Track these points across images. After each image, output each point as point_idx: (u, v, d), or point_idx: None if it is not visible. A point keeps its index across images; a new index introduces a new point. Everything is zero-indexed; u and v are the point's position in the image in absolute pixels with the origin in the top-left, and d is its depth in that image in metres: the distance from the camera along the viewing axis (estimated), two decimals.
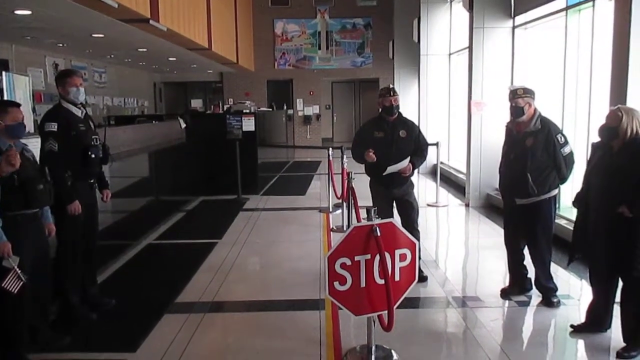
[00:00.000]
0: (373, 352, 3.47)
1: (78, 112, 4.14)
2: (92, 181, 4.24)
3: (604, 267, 3.64)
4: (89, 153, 4.08)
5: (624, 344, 3.53)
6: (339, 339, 3.83)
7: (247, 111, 10.47)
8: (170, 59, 14.69)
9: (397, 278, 3.34)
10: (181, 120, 9.52)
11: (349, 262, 3.20)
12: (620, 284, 3.63)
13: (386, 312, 3.28)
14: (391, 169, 4.69)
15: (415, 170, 4.97)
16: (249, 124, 9.38)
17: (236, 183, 9.14)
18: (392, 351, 3.56)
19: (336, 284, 3.21)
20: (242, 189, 9.23)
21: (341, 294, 3.23)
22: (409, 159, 4.73)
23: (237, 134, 9.31)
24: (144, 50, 12.44)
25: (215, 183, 9.41)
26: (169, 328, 4.04)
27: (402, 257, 3.34)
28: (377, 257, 3.21)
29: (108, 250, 5.50)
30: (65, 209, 3.93)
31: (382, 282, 3.24)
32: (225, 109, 12.29)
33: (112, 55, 14.09)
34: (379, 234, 3.17)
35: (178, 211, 8.30)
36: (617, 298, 3.69)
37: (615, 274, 3.61)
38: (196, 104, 19.31)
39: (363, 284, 3.26)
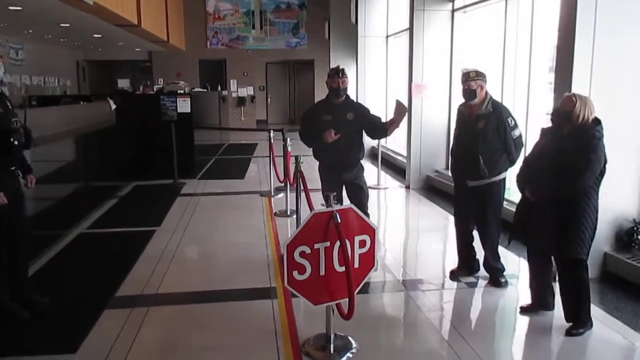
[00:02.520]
0: (332, 341, 3.38)
1: None
2: (13, 168, 3.82)
3: (541, 248, 3.72)
4: (11, 139, 3.67)
5: (570, 323, 3.64)
6: (295, 328, 3.71)
7: (182, 92, 10.04)
8: (96, 35, 13.82)
9: (356, 265, 3.25)
10: (111, 101, 8.98)
11: (308, 251, 3.08)
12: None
13: (345, 300, 3.20)
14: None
15: (364, 151, 4.90)
16: (184, 105, 8.99)
17: (172, 167, 8.77)
18: (350, 338, 3.49)
19: (295, 273, 3.08)
20: (179, 173, 8.87)
21: (300, 284, 3.11)
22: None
23: (172, 115, 8.91)
24: (67, 25, 11.60)
25: (150, 167, 8.98)
26: (111, 325, 3.76)
27: (362, 244, 3.25)
28: (337, 244, 3.11)
29: (35, 241, 5.07)
30: None
31: (342, 269, 3.15)
32: (155, 89, 11.76)
33: (30, 31, 13.06)
34: (339, 221, 3.07)
35: (110, 197, 7.84)
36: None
37: (550, 254, 3.70)
38: (123, 83, 18.40)
39: (322, 272, 3.15)
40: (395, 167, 10.36)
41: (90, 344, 3.50)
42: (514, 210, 3.94)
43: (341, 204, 4.32)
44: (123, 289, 4.42)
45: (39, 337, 3.62)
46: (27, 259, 4.08)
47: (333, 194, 3.16)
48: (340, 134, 4.56)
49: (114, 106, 8.95)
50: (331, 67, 4.73)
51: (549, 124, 3.68)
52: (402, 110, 4.65)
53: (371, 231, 3.28)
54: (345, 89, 4.66)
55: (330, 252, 3.14)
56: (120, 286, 4.45)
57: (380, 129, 4.77)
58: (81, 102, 9.52)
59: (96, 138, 8.20)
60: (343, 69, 4.68)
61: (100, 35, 13.66)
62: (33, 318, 3.81)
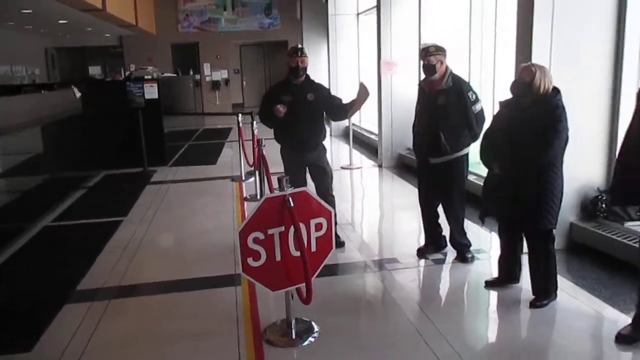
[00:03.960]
0: (293, 326, 3.33)
1: None
2: None
3: (511, 221, 3.69)
4: None
5: (534, 295, 3.64)
6: (257, 315, 3.66)
7: (150, 77, 9.83)
8: (61, 21, 13.42)
9: (313, 249, 3.19)
10: (75, 89, 8.75)
11: (262, 236, 3.01)
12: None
13: (304, 284, 3.14)
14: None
15: (327, 132, 4.83)
16: (151, 91, 8.80)
17: (141, 155, 8.61)
18: (313, 323, 3.45)
19: (250, 260, 3.01)
20: (148, 161, 8.72)
21: (256, 270, 3.05)
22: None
23: (140, 102, 8.72)
24: (28, 11, 11.24)
25: (119, 155, 8.80)
26: (70, 319, 3.67)
27: (318, 227, 3.19)
28: (292, 229, 3.04)
29: None
30: None
31: (298, 254, 3.09)
32: (126, 75, 11.52)
33: None
34: (292, 205, 2.99)
35: (78, 188, 7.68)
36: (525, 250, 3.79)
37: (522, 226, 3.67)
38: (94, 70, 18.02)
39: (278, 258, 3.08)
40: (368, 146, 10.30)
41: (47, 340, 3.41)
42: (482, 185, 3.90)
43: (305, 186, 4.27)
44: (84, 282, 4.32)
45: None
46: None
47: (286, 177, 3.08)
48: (301, 114, 4.48)
49: (78, 94, 8.73)
50: (301, 46, 4.61)
51: (508, 96, 3.62)
52: (365, 94, 4.57)
53: (327, 214, 3.21)
54: (305, 68, 4.56)
55: (285, 236, 3.07)
56: (81, 280, 4.35)
57: (341, 110, 4.69)
58: (42, 91, 9.27)
59: (61, 127, 7.98)
60: (302, 48, 4.58)
61: (65, 21, 13.26)
62: None
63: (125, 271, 4.52)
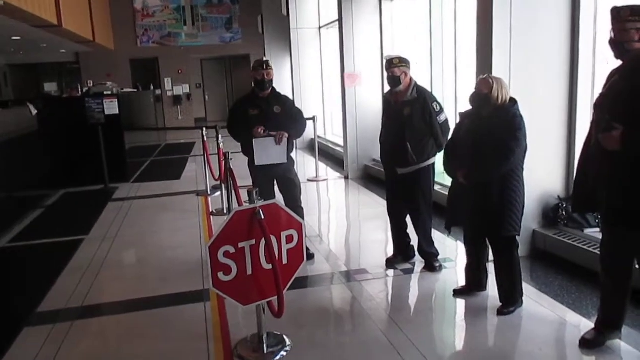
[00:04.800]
0: (265, 341, 3.28)
1: None
2: None
3: (476, 229, 3.76)
4: None
5: (501, 302, 3.70)
6: (227, 330, 3.60)
7: (109, 93, 9.63)
8: (14, 38, 13.03)
9: (284, 261, 3.17)
10: (31, 106, 8.49)
11: (232, 250, 2.96)
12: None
13: (276, 297, 3.11)
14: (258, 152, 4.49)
15: (294, 144, 4.81)
16: (111, 107, 8.61)
17: (102, 171, 8.40)
18: (284, 337, 3.42)
19: (220, 274, 2.97)
20: (110, 178, 8.52)
21: (227, 285, 3.00)
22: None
23: (99, 118, 8.51)
24: None
25: (78, 173, 8.58)
26: (30, 344, 3.52)
27: (289, 239, 3.17)
28: (263, 242, 3.02)
29: None
30: None
31: (269, 267, 3.05)
32: (84, 91, 11.27)
33: None
34: (262, 217, 2.97)
35: (36, 208, 7.43)
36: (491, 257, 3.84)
37: (487, 234, 3.74)
38: (50, 87, 17.58)
39: (249, 272, 3.04)
40: (333, 158, 10.34)
41: None
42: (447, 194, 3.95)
43: (274, 198, 4.24)
44: (45, 303, 4.16)
45: None
46: None
47: (256, 190, 3.06)
48: (269, 127, 4.47)
49: (35, 111, 8.47)
50: (266, 59, 4.61)
51: (468, 107, 3.71)
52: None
53: (298, 225, 3.20)
54: (271, 81, 4.56)
55: (256, 250, 3.04)
56: (42, 301, 4.19)
57: (302, 124, 4.70)
58: None
59: (16, 146, 7.73)
60: (267, 61, 4.58)
61: (19, 38, 12.90)
62: None
63: (88, 291, 4.38)
